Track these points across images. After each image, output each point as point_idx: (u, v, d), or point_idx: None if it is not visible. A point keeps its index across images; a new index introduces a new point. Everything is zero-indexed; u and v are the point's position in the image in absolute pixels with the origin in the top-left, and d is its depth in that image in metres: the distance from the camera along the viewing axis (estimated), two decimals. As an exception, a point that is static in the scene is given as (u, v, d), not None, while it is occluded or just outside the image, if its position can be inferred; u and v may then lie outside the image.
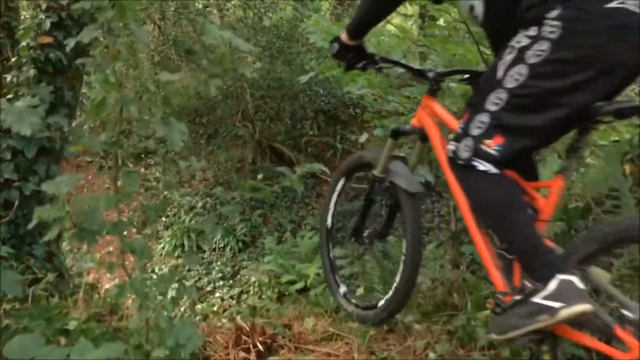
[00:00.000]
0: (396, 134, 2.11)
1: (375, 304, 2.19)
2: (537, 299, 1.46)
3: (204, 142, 10.13)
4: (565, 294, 1.41)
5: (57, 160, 3.27)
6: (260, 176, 2.35)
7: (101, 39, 1.39)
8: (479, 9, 1.64)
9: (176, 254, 8.98)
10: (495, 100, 1.53)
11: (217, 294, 7.94)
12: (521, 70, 1.48)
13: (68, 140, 3.23)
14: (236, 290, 7.91)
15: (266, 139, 9.97)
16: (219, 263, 8.51)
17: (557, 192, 1.58)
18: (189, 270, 8.38)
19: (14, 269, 2.08)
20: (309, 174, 10.05)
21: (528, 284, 1.54)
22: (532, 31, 1.47)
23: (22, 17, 3.42)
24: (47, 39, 3.13)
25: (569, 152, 1.57)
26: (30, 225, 1.29)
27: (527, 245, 1.51)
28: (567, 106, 1.46)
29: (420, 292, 2.80)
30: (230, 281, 8.21)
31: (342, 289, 2.39)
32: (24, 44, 3.20)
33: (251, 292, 7.86)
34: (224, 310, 7.98)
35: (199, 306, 7.73)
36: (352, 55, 1.97)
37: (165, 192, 9.86)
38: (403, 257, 2.07)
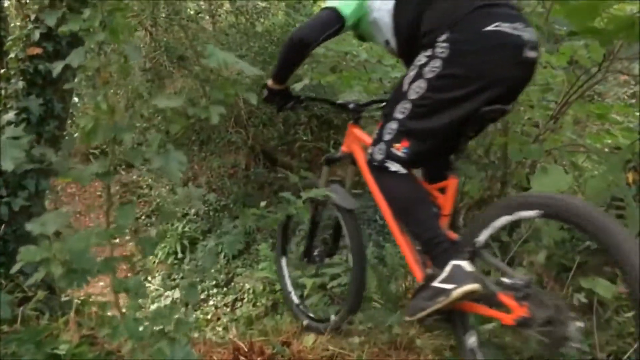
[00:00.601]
0: (329, 160, 2.50)
1: (328, 317, 2.44)
2: (435, 283, 1.74)
3: (197, 148, 10.06)
4: (456, 276, 1.68)
5: (46, 175, 3.17)
6: (263, 203, 2.32)
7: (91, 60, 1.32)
8: (393, 42, 1.96)
9: (169, 262, 8.90)
10: (401, 110, 1.82)
11: (211, 302, 7.86)
12: (421, 84, 1.78)
13: (58, 153, 3.15)
14: (230, 298, 7.83)
15: (259, 145, 9.92)
16: (212, 270, 8.43)
17: (452, 191, 1.90)
18: (182, 278, 8.30)
19: (2, 287, 2.01)
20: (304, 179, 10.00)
21: (430, 271, 1.81)
22: (429, 52, 1.77)
23: (11, 26, 3.32)
24: (37, 50, 3.05)
25: (457, 154, 1.89)
26: (14, 269, 1.24)
27: (429, 236, 1.78)
28: (458, 113, 1.74)
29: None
30: (224, 289, 8.13)
31: (297, 300, 2.71)
32: (12, 55, 3.12)
33: (245, 299, 7.78)
34: (218, 319, 7.90)
35: (193, 315, 7.66)
36: (280, 98, 2.31)
37: (159, 200, 9.78)
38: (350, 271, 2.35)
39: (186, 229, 8.94)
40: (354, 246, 2.33)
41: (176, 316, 1.23)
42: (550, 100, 3.32)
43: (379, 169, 1.90)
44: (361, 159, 2.17)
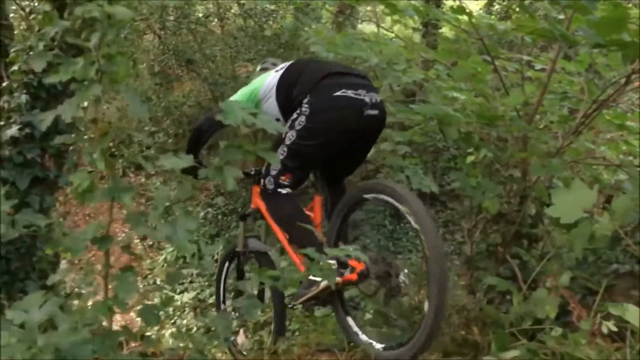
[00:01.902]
0: (243, 216, 2.98)
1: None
2: (310, 277, 2.28)
3: (205, 151, 10.00)
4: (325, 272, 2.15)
5: (51, 191, 3.06)
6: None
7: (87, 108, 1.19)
8: (279, 115, 2.61)
9: (178, 265, 8.84)
10: (281, 152, 2.44)
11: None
12: (292, 134, 2.43)
13: (63, 168, 3.04)
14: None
15: (268, 149, 9.87)
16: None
17: (318, 206, 2.66)
18: (191, 282, 8.24)
19: (4, 308, 1.96)
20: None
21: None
22: (298, 110, 2.45)
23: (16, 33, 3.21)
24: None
25: (317, 179, 2.68)
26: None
27: (306, 242, 2.25)
28: (318, 155, 2.49)
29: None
30: (234, 293, 8.06)
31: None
32: (15, 67, 3.01)
33: (254, 305, 7.73)
34: (226, 324, 7.86)
35: (201, 320, 7.59)
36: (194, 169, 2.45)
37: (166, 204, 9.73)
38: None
39: (194, 233, 8.89)
40: (272, 290, 2.83)
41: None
42: (567, 106, 3.22)
43: (271, 195, 2.53)
44: (263, 209, 2.69)
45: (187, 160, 1.17)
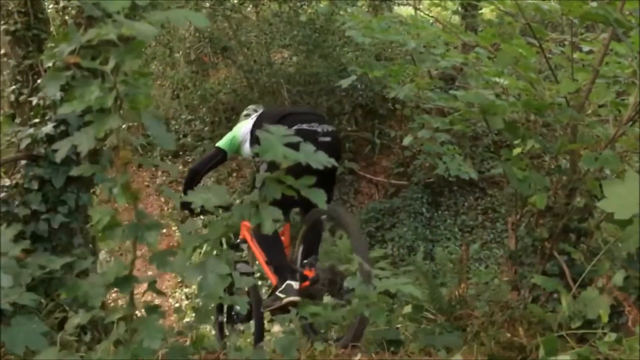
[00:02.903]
0: (233, 246, 3.42)
1: None
2: (277, 292, 2.81)
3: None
4: (287, 291, 2.75)
5: (87, 189, 3.03)
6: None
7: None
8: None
9: (214, 252, 8.93)
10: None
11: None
12: (264, 166, 2.85)
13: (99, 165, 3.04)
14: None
15: (303, 135, 9.80)
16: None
17: (287, 233, 3.14)
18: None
19: (42, 307, 1.97)
20: (348, 170, 9.82)
21: (276, 283, 2.92)
22: (260, 161, 3.16)
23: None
24: (74, 59, 2.89)
25: (285, 212, 3.01)
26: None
27: (277, 265, 2.91)
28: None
29: (475, 316, 2.58)
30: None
31: None
32: (50, 64, 2.99)
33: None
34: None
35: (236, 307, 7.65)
36: (188, 206, 3.09)
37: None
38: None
39: (230, 220, 8.95)
40: (252, 297, 3.21)
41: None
42: (615, 89, 3.02)
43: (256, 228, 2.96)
44: (249, 239, 3.29)
45: (220, 194, 1.09)
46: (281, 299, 2.76)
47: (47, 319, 2.14)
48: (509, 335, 2.00)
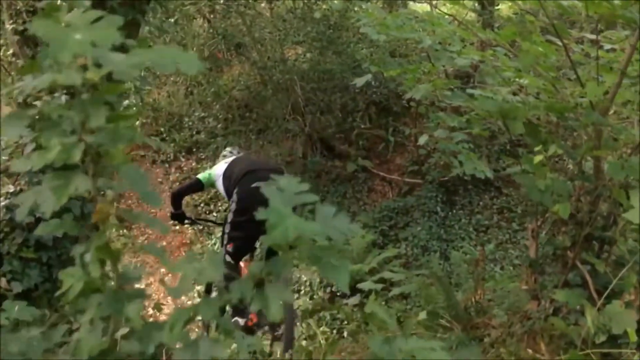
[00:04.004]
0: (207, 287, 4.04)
1: None
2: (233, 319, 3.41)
3: (254, 136, 9.98)
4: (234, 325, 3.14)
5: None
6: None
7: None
8: (225, 195, 3.86)
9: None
10: (227, 227, 3.54)
11: (269, 293, 7.81)
12: (231, 214, 3.47)
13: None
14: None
15: (317, 132, 9.72)
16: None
17: (246, 268, 3.54)
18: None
19: (46, 318, 1.91)
20: (361, 168, 9.74)
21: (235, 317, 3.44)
22: (233, 196, 3.57)
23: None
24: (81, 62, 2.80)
25: (251, 250, 3.74)
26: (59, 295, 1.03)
27: (233, 303, 2.91)
28: (250, 229, 3.34)
29: (493, 326, 2.50)
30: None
31: None
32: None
33: (302, 292, 7.69)
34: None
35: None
36: (179, 216, 3.99)
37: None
38: None
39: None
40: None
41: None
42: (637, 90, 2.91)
43: (224, 257, 3.54)
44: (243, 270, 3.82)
45: (215, 265, 0.93)
46: (239, 322, 3.39)
47: (50, 331, 2.09)
48: (530, 351, 1.92)
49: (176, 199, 3.93)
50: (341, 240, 0.84)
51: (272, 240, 0.81)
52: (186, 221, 4.06)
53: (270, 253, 3.35)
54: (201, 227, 7.94)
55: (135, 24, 2.80)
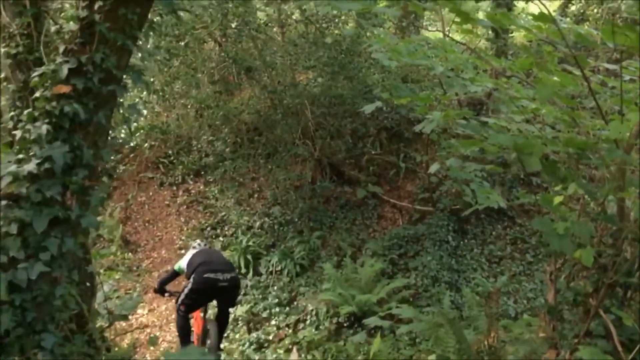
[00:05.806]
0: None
1: None
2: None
3: (263, 160, 9.89)
4: None
5: (73, 233, 2.67)
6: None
7: None
8: None
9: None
10: (182, 297, 5.37)
11: (273, 322, 7.62)
12: (187, 290, 5.31)
13: (88, 206, 2.73)
14: (292, 319, 7.55)
15: (326, 157, 9.60)
16: (275, 288, 8.19)
17: (199, 319, 5.73)
18: (244, 295, 8.09)
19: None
20: (371, 194, 9.57)
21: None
22: (190, 280, 5.29)
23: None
24: (64, 89, 2.64)
25: (204, 304, 5.69)
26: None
27: (183, 343, 5.44)
28: (199, 302, 5.51)
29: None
30: (287, 308, 7.85)
31: None
32: (38, 94, 2.73)
33: (308, 321, 7.48)
34: (280, 340, 7.65)
35: (254, 334, 7.43)
36: (162, 292, 5.78)
37: (223, 213, 9.68)
38: None
39: (250, 242, 8.75)
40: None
41: None
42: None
43: (177, 311, 5.41)
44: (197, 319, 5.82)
45: None
46: None
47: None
48: (550, 415, 1.74)
49: (161, 286, 5.70)
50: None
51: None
52: (166, 294, 5.80)
53: (220, 304, 5.68)
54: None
55: (125, 50, 2.69)
